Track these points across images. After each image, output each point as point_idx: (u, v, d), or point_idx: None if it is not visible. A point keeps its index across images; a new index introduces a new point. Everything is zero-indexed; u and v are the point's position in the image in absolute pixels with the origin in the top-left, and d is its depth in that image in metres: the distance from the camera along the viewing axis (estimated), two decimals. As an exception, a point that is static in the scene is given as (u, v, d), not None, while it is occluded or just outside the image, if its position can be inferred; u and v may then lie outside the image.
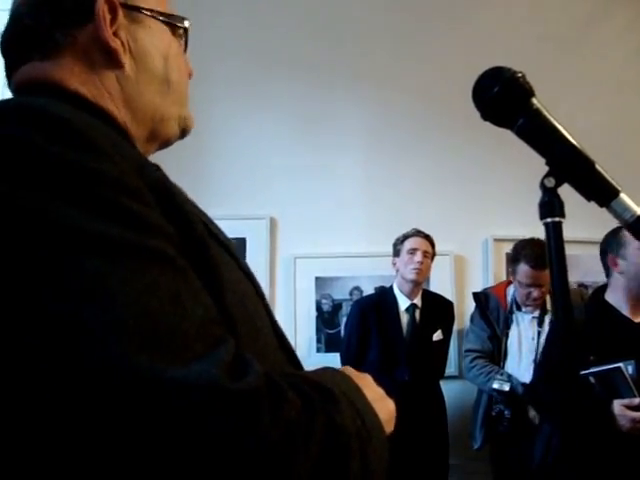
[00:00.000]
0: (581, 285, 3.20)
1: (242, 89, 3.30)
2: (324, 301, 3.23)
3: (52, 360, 0.44)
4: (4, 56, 0.72)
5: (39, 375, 0.44)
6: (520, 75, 0.70)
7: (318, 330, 3.21)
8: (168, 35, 0.75)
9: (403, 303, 2.78)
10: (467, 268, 3.32)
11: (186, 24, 0.77)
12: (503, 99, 0.69)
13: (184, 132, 0.78)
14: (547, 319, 2.72)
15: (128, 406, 0.44)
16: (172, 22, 0.75)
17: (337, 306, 3.24)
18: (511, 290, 2.85)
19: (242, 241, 3.20)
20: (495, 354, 2.78)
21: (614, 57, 3.48)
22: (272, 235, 3.24)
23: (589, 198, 0.69)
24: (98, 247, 0.47)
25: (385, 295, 2.87)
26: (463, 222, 3.26)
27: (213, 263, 0.58)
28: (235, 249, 0.68)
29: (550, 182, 0.68)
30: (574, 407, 0.65)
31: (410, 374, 2.63)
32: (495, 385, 2.59)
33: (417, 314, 2.78)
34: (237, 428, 0.46)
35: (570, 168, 0.69)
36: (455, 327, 2.99)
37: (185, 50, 0.79)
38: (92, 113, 0.62)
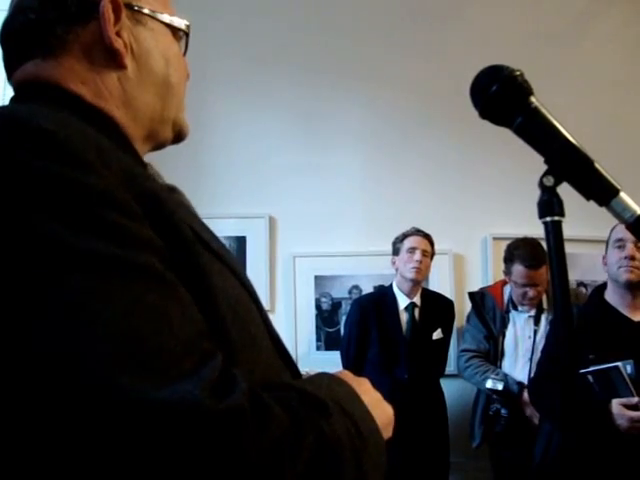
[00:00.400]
0: (580, 284, 3.20)
1: (241, 88, 3.30)
2: (323, 300, 3.23)
3: (32, 381, 0.44)
4: (4, 49, 0.71)
5: (18, 397, 0.44)
6: (518, 73, 0.69)
7: (317, 328, 3.21)
8: (169, 37, 0.75)
9: (402, 302, 2.78)
10: (466, 267, 3.32)
11: (187, 27, 0.77)
12: (501, 98, 0.69)
13: (178, 137, 0.78)
14: (543, 318, 2.72)
15: (109, 429, 0.43)
16: (173, 25, 0.75)
17: (336, 305, 3.23)
18: (508, 289, 2.84)
19: (242, 240, 3.20)
20: (492, 353, 2.78)
21: (611, 54, 3.47)
22: (271, 234, 3.23)
23: (588, 197, 0.68)
24: (83, 263, 0.46)
25: (384, 294, 2.87)
26: (462, 221, 3.25)
27: (203, 271, 0.57)
28: (229, 254, 0.67)
29: (549, 181, 0.67)
30: (573, 406, 0.65)
31: (409, 373, 2.63)
32: (488, 384, 2.58)
33: (416, 313, 2.78)
34: (219, 449, 0.45)
35: (569, 166, 0.68)
36: (455, 325, 2.98)
37: (185, 53, 0.79)
38: (90, 116, 0.62)
